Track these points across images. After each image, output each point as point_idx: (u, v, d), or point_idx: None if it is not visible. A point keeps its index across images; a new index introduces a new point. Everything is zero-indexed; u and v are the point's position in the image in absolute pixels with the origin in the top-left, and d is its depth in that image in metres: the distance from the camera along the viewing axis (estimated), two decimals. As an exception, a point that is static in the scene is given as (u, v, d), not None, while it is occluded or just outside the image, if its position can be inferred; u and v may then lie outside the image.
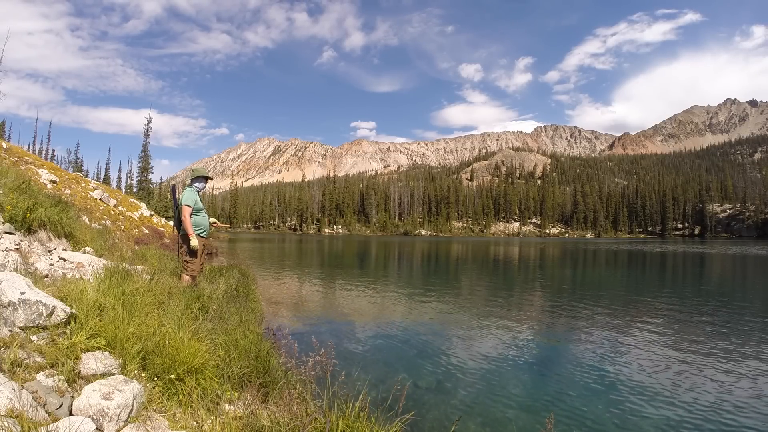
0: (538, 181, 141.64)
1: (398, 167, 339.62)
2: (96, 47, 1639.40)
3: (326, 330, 6.73)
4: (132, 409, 2.03)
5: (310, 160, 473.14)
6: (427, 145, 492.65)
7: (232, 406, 2.45)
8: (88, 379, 2.24)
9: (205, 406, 2.35)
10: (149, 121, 46.62)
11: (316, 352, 3.06)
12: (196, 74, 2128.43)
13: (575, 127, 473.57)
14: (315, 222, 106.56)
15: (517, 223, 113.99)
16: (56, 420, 1.80)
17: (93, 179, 40.50)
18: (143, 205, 22.07)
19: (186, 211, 4.77)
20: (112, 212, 14.59)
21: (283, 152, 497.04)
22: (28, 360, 2.16)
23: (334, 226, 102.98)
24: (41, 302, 2.53)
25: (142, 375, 2.47)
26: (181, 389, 2.41)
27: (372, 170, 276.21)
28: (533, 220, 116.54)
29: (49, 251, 5.08)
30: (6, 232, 4.66)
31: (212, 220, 5.41)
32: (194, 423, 2.21)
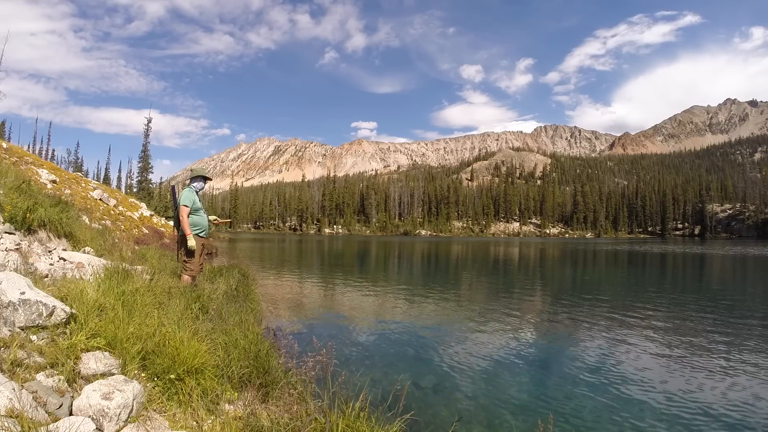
0: (538, 181, 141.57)
1: (398, 167, 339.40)
2: (99, 48, 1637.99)
3: (326, 330, 6.72)
4: (132, 409, 2.03)
5: (310, 160, 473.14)
6: (427, 145, 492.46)
7: (232, 406, 2.45)
8: (88, 379, 2.23)
9: (205, 406, 2.35)
10: (149, 121, 46.72)
11: (316, 352, 3.06)
12: (199, 75, 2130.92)
13: (575, 127, 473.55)
14: (315, 222, 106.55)
15: (517, 223, 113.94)
16: (56, 420, 1.79)
17: (93, 179, 40.53)
18: (143, 205, 22.10)
19: (184, 212, 4.77)
20: (112, 212, 14.60)
21: (283, 152, 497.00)
22: (28, 360, 2.16)
23: (334, 226, 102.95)
24: (41, 302, 2.53)
25: (142, 375, 2.47)
26: (181, 389, 2.41)
27: (372, 170, 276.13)
28: (533, 220, 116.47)
29: (49, 251, 5.08)
30: (6, 232, 4.66)
31: (213, 217, 5.42)
32: (194, 423, 2.21)
